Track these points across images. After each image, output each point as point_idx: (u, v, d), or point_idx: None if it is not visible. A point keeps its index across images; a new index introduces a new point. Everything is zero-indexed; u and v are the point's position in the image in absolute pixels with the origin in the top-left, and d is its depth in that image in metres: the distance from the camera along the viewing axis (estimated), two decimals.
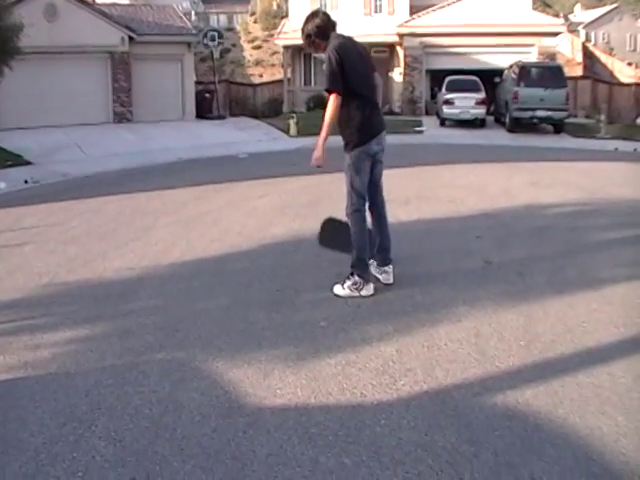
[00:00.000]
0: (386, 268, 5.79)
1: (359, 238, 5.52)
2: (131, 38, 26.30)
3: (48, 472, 3.21)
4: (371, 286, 5.58)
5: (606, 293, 5.57)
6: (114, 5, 31.83)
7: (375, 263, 5.81)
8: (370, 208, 5.71)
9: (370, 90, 5.54)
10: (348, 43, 5.50)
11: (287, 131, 22.87)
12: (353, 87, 5.31)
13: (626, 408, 3.65)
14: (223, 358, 4.42)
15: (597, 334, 4.69)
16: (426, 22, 28.63)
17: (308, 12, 5.81)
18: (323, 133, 5.34)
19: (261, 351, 4.51)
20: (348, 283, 5.52)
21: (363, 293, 5.51)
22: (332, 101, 5.28)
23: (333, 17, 5.58)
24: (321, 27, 5.46)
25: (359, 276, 5.52)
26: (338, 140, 5.60)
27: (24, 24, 18.34)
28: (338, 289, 5.56)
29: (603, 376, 4.02)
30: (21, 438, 3.55)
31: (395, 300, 5.43)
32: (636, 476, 3.06)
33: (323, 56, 5.43)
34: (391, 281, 5.76)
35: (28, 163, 17.43)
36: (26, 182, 14.35)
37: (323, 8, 31.09)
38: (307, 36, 5.51)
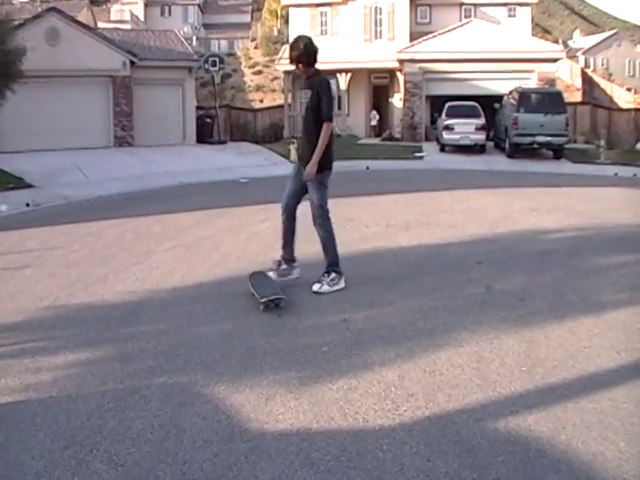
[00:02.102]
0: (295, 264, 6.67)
1: (331, 241, 6.39)
2: (132, 62, 26.51)
3: None
4: (343, 280, 6.39)
5: (607, 318, 5.57)
6: (116, 30, 32.22)
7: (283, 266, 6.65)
8: (293, 215, 6.57)
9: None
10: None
11: (287, 156, 22.96)
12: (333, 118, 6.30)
13: (628, 433, 3.64)
14: (225, 383, 4.42)
15: (599, 359, 4.69)
16: (426, 48, 28.85)
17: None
18: (320, 153, 6.14)
19: (263, 376, 4.50)
20: (327, 280, 6.32)
21: (339, 287, 6.33)
22: (328, 128, 6.15)
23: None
24: (315, 52, 6.21)
25: (335, 272, 6.36)
26: (335, 165, 6.45)
27: (26, 48, 18.51)
28: (318, 287, 6.29)
29: (605, 401, 4.02)
30: (22, 461, 3.55)
31: (397, 326, 5.44)
32: None
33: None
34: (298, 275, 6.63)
35: (30, 186, 17.52)
36: (28, 205, 14.41)
37: (323, 34, 31.40)
38: (302, 55, 6.15)
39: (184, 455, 3.53)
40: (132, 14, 58.63)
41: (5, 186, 17.13)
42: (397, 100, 30.92)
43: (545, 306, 5.91)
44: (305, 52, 6.16)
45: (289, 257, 6.66)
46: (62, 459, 3.54)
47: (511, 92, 24.66)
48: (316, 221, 6.38)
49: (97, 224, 11.17)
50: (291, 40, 6.40)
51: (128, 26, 47.42)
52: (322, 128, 6.12)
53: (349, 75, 30.40)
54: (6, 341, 5.51)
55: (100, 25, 46.06)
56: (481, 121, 24.12)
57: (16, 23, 22.67)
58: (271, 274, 6.57)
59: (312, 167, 6.15)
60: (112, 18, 58.22)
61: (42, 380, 4.64)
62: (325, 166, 6.26)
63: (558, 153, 23.00)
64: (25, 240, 10.03)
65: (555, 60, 29.39)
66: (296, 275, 6.65)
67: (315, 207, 6.35)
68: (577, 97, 40.06)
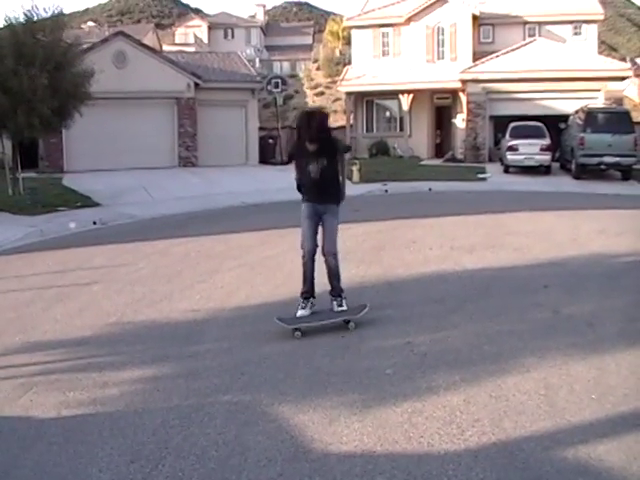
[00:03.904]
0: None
1: (339, 270, 6.39)
2: (197, 84, 27.03)
3: None
4: None
5: None
6: (180, 52, 33.00)
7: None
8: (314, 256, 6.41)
9: None
10: None
11: (350, 177, 22.95)
12: None
13: None
14: (289, 403, 4.43)
15: None
16: (490, 68, 28.61)
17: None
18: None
19: (327, 397, 4.50)
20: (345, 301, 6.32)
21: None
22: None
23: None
24: None
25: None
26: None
27: (94, 70, 19.05)
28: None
29: None
30: (90, 473, 3.63)
31: (462, 349, 5.37)
32: None
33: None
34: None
35: (97, 204, 17.96)
36: (95, 223, 14.75)
37: (385, 55, 31.49)
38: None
39: (248, 473, 3.54)
40: (196, 37, 59.86)
41: (73, 204, 17.61)
42: (460, 121, 30.67)
43: (615, 332, 5.75)
44: (321, 128, 6.21)
45: (312, 292, 6.40)
46: (128, 473, 3.60)
47: (577, 111, 24.19)
48: (331, 250, 6.29)
49: (162, 242, 11.36)
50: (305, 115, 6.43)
51: (192, 49, 48.42)
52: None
53: (411, 96, 30.35)
54: (74, 355, 5.65)
55: (165, 48, 47.23)
56: (546, 141, 23.70)
57: (85, 47, 23.37)
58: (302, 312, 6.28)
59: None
60: (177, 41, 59.58)
61: (109, 394, 4.74)
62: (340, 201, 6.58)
63: (627, 174, 22.39)
64: (92, 257, 10.28)
65: (623, 78, 28.74)
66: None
67: (334, 236, 6.35)
68: None
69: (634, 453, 3.64)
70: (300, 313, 6.22)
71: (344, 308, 6.27)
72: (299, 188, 6.53)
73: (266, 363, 5.21)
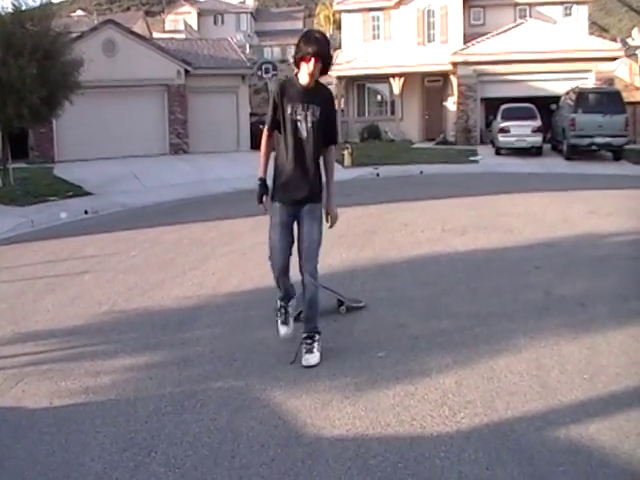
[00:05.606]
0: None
1: (318, 299, 4.92)
2: (187, 71, 26.92)
3: None
4: None
5: None
6: (170, 39, 32.87)
7: None
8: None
9: None
10: None
11: (341, 162, 22.91)
12: None
13: None
14: (281, 388, 4.42)
15: None
16: (480, 50, 28.55)
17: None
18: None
19: (319, 381, 4.49)
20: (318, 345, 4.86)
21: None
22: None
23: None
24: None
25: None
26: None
27: (84, 59, 18.95)
28: (316, 359, 4.79)
29: None
30: (82, 462, 3.61)
31: (454, 331, 5.37)
32: None
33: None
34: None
35: (88, 194, 17.91)
36: (86, 212, 14.71)
37: (376, 39, 31.39)
38: (328, 52, 4.70)
39: (241, 459, 3.54)
40: (186, 24, 59.52)
41: (64, 194, 17.56)
42: (451, 103, 30.65)
43: (607, 312, 5.76)
44: (329, 50, 4.70)
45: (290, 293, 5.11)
46: (121, 461, 3.59)
47: (568, 92, 24.20)
48: (311, 270, 4.80)
49: (154, 230, 11.33)
50: (305, 31, 4.91)
51: (182, 35, 48.18)
52: (332, 154, 5.23)
53: (402, 79, 30.29)
54: (66, 344, 5.63)
55: (155, 35, 46.95)
56: (537, 123, 23.73)
57: (74, 36, 23.23)
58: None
59: (335, 205, 5.04)
60: (167, 28, 59.29)
61: (101, 383, 4.72)
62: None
63: (618, 154, 22.46)
64: (84, 246, 10.24)
65: (613, 59, 28.75)
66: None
67: (316, 248, 4.88)
68: (637, 96, 39.00)
69: (625, 432, 3.65)
70: (284, 332, 5.03)
71: (316, 358, 4.77)
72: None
73: (258, 349, 5.20)
